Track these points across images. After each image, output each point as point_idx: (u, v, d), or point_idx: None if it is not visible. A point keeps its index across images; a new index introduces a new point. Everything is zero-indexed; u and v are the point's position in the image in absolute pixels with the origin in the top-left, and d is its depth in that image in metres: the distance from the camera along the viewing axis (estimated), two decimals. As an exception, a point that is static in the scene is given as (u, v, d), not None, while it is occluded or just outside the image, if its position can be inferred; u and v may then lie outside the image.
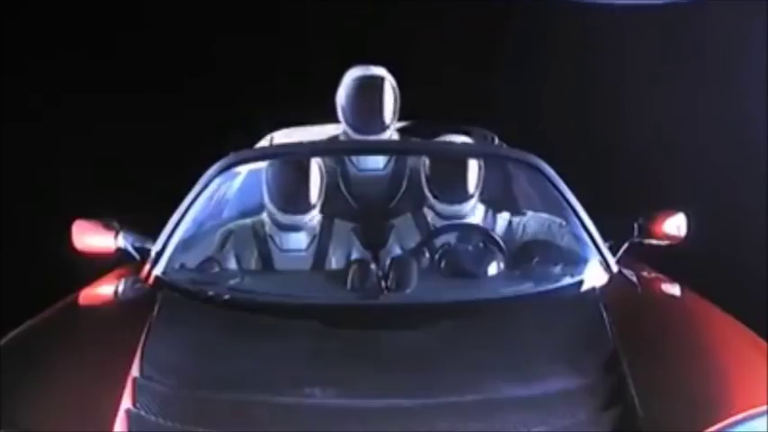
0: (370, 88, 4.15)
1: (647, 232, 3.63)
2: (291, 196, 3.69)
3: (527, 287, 3.27)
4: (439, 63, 5.93)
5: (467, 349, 2.85)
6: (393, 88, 4.17)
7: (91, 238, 3.59)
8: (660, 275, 3.58)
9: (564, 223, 3.65)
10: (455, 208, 3.74)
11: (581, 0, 5.94)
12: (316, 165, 3.72)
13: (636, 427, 2.54)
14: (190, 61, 5.91)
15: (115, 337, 2.89)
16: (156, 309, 3.05)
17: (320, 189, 3.71)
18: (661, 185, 5.51)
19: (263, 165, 3.74)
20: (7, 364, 2.76)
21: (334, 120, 4.25)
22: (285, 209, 3.69)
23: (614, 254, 3.49)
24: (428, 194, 3.78)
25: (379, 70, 4.21)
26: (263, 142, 4.41)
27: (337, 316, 3.08)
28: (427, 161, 3.80)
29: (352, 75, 4.19)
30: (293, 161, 3.73)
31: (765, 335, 2.95)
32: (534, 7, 5.94)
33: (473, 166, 3.74)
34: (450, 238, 3.63)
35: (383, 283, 3.15)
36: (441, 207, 3.76)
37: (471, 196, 3.74)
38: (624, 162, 5.75)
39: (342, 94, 4.18)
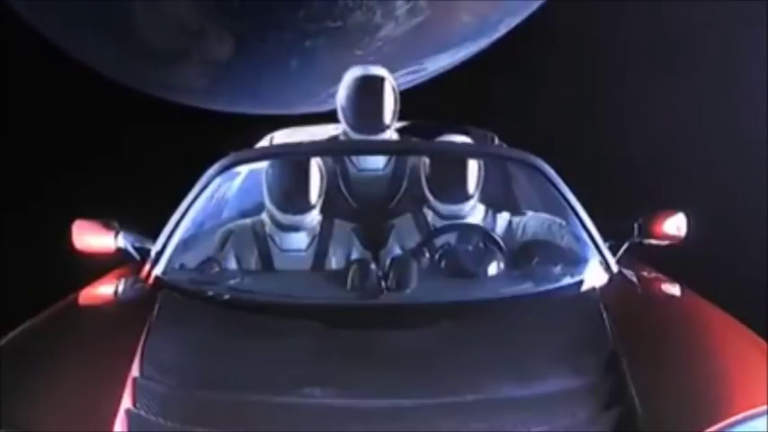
0: (370, 88, 4.13)
1: (647, 232, 3.62)
2: (291, 196, 3.68)
3: (527, 287, 3.26)
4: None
5: (467, 349, 2.85)
6: (393, 88, 4.15)
7: (91, 238, 3.58)
8: (660, 275, 3.58)
9: (564, 223, 3.65)
10: (455, 208, 3.74)
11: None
12: (316, 165, 3.71)
13: (636, 427, 2.54)
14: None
15: (115, 337, 2.89)
16: (156, 309, 3.04)
17: (320, 189, 3.70)
18: (661, 185, 5.51)
19: (263, 165, 3.74)
20: (7, 364, 2.76)
21: (334, 120, 4.25)
22: (285, 209, 3.69)
23: (614, 254, 3.48)
24: (428, 194, 3.77)
25: (380, 70, 4.19)
26: (263, 142, 4.40)
27: (337, 316, 3.08)
28: (427, 161, 3.79)
29: (352, 75, 4.18)
30: (293, 161, 3.72)
31: (765, 335, 2.95)
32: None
33: (473, 166, 3.73)
34: (451, 238, 3.62)
35: (383, 283, 3.15)
36: (441, 207, 3.75)
37: (471, 196, 3.73)
38: (624, 162, 5.75)
39: (342, 95, 4.16)
